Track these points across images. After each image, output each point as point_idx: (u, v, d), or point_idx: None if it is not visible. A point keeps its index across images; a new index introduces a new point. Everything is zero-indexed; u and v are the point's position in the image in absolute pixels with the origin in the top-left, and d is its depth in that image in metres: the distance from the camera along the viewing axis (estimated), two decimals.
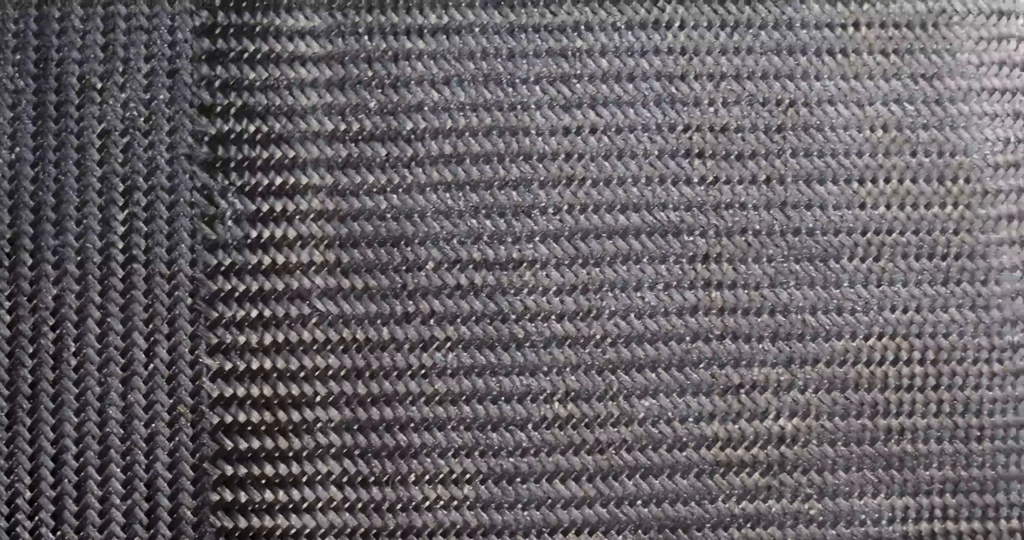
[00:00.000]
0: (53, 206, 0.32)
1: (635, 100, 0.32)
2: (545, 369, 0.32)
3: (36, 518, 0.31)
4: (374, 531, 0.32)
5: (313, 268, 0.32)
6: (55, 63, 0.32)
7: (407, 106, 0.32)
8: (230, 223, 0.32)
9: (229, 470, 0.31)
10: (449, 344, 0.32)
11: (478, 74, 0.32)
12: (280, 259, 0.32)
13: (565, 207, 0.32)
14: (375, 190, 0.32)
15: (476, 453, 0.32)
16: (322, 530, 0.32)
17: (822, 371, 0.32)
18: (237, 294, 0.32)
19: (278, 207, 0.32)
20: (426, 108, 0.32)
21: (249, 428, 0.32)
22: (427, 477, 0.32)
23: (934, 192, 0.32)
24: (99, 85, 0.32)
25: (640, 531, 0.32)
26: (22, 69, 0.32)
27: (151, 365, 0.31)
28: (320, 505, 0.32)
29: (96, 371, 0.31)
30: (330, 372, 0.32)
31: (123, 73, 0.32)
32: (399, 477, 0.32)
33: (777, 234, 0.32)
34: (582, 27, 0.33)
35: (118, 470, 0.31)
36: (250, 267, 0.32)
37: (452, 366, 0.32)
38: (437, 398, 0.32)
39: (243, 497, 0.31)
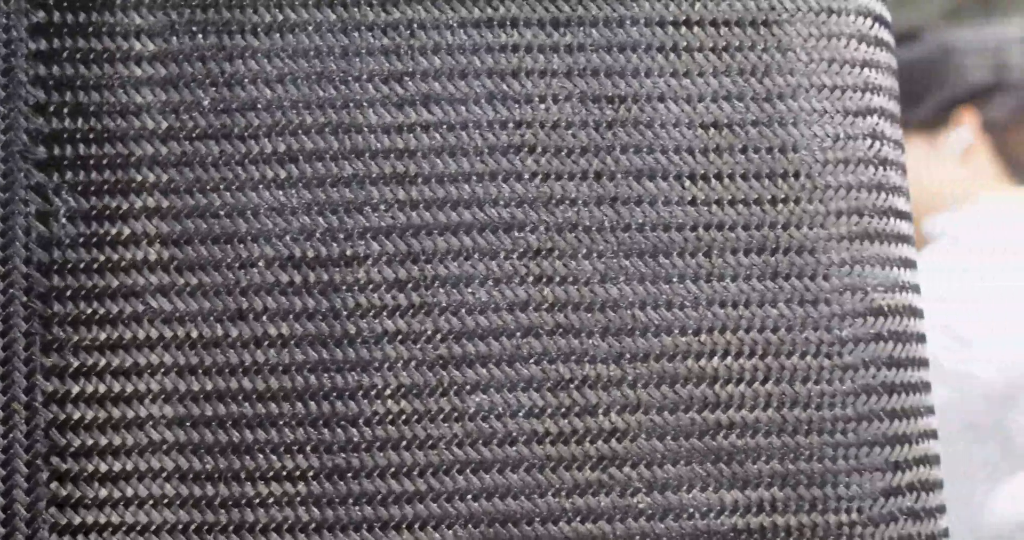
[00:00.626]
0: None
1: (467, 97, 0.33)
2: (377, 365, 0.32)
3: None
4: (207, 527, 0.32)
5: (147, 265, 0.32)
6: None
7: (241, 104, 0.33)
8: (64, 221, 0.32)
9: (63, 466, 0.32)
10: (281, 341, 0.32)
11: (311, 72, 0.33)
12: (114, 256, 0.32)
13: (397, 204, 0.32)
14: (208, 188, 0.32)
15: (308, 449, 0.32)
16: (155, 526, 0.32)
17: (652, 366, 0.32)
18: (71, 291, 0.32)
19: (112, 205, 0.32)
20: (259, 106, 0.33)
21: (83, 424, 0.32)
22: (259, 473, 0.32)
23: (763, 188, 0.33)
24: None
25: (471, 525, 0.32)
26: None
27: None
28: (153, 501, 0.32)
29: None
30: (163, 369, 0.32)
31: None
32: (231, 473, 0.32)
33: (608, 230, 0.33)
34: (414, 25, 0.33)
35: None
36: (84, 265, 0.32)
37: (284, 363, 0.32)
38: (270, 395, 0.32)
39: (77, 493, 0.32)
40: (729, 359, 0.33)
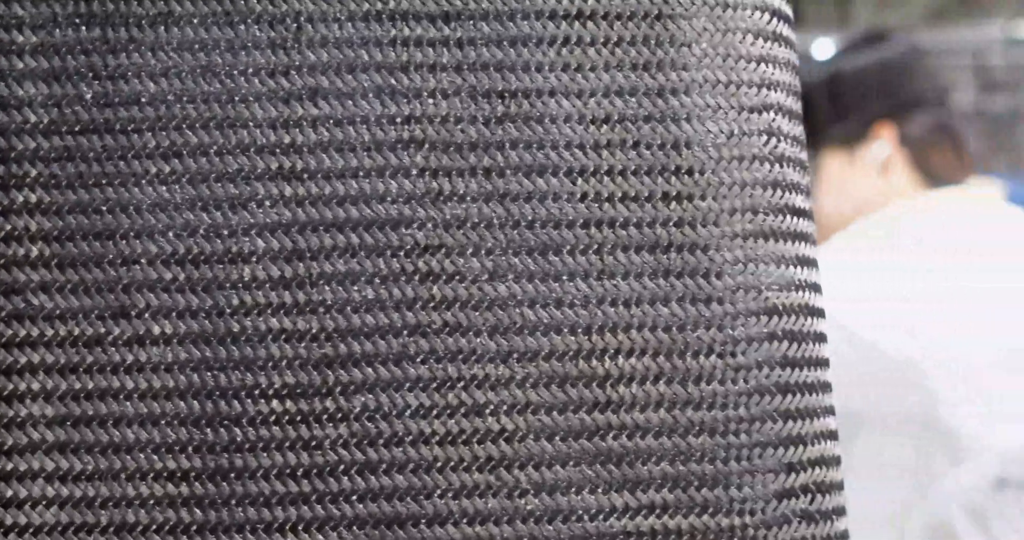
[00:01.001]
0: None
1: (354, 92, 0.32)
2: (261, 364, 0.32)
3: None
4: (87, 528, 0.31)
5: (28, 262, 0.32)
6: None
7: (124, 98, 0.32)
8: None
9: None
10: (164, 339, 0.32)
11: (196, 66, 0.32)
12: None
13: (282, 200, 0.32)
14: (91, 183, 0.32)
15: (191, 449, 0.31)
16: (34, 527, 0.31)
17: (541, 366, 0.32)
18: None
19: None
20: (143, 100, 0.32)
21: None
22: (140, 474, 0.31)
23: (656, 185, 0.32)
24: None
25: (356, 527, 0.31)
26: None
27: None
28: (32, 501, 0.31)
29: None
30: (44, 367, 0.32)
31: None
32: (112, 473, 0.31)
33: (496, 227, 0.32)
34: (301, 18, 0.32)
35: None
36: None
37: (167, 361, 0.32)
38: (151, 394, 0.32)
39: None
40: (620, 359, 0.32)
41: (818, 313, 0.34)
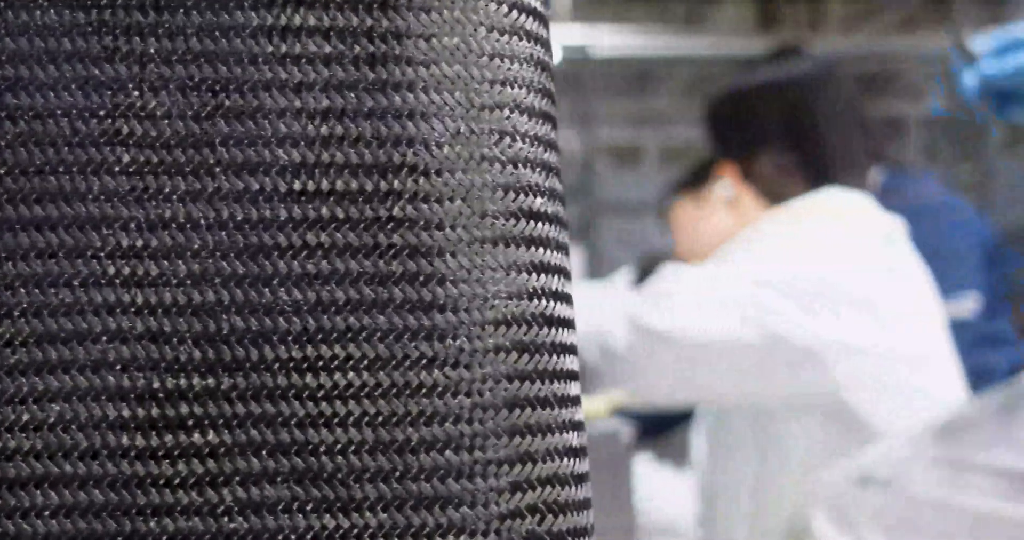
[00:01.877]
0: None
1: (55, 83, 0.30)
2: None
3: None
4: None
5: None
6: None
7: None
8: None
9: None
10: None
11: None
12: None
13: None
14: None
15: None
16: None
17: (249, 377, 0.30)
18: None
19: None
20: None
21: None
22: None
23: (375, 185, 0.30)
24: None
25: None
26: None
27: None
28: None
29: None
30: None
31: None
32: None
33: (204, 228, 0.30)
34: (1, 4, 0.30)
35: None
36: None
37: None
38: None
39: None
40: (334, 371, 0.30)
41: (560, 322, 0.32)
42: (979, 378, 1.62)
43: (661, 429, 2.02)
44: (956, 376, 1.52)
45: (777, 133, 1.55)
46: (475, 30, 0.31)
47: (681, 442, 2.03)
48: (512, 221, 0.31)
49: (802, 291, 1.41)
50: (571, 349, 0.33)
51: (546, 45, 0.33)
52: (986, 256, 1.93)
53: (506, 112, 0.31)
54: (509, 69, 0.31)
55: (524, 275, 0.31)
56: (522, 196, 0.31)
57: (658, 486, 1.88)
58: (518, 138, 0.31)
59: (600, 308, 1.51)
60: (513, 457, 0.31)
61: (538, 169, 0.32)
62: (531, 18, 0.32)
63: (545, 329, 0.31)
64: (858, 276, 1.45)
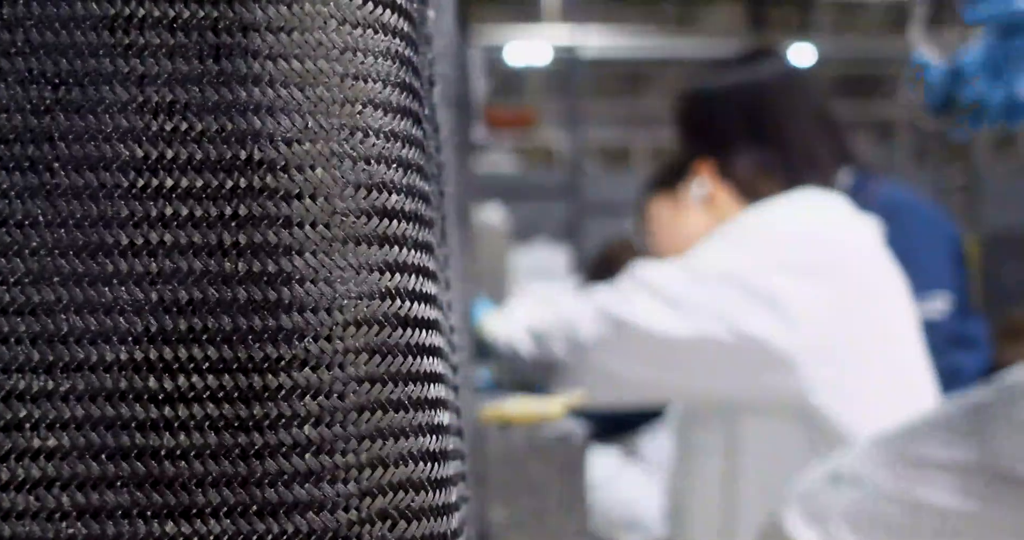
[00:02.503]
0: None
1: None
2: None
3: None
4: None
5: None
6: None
7: None
8: None
9: None
10: None
11: None
12: None
13: None
14: None
15: None
16: None
17: (88, 378, 0.29)
18: None
19: None
20: None
21: None
22: None
23: (220, 182, 0.29)
24: None
25: None
26: None
27: None
28: None
29: None
30: None
31: None
32: None
33: (42, 225, 0.29)
34: None
35: None
36: None
37: None
38: None
39: None
40: (177, 374, 0.29)
41: (417, 323, 0.31)
42: (949, 379, 1.61)
43: (627, 427, 2.02)
44: (927, 378, 1.51)
45: (742, 132, 1.55)
46: (325, 23, 0.30)
47: (648, 440, 2.03)
48: (364, 219, 0.30)
49: (772, 293, 1.41)
50: (431, 350, 0.32)
51: (407, 39, 0.32)
52: (955, 257, 1.92)
53: (358, 107, 0.30)
54: (362, 63, 0.30)
55: (377, 274, 0.30)
56: (375, 193, 0.30)
57: (624, 483, 1.87)
58: (371, 134, 0.30)
59: (567, 302, 1.50)
60: (363, 462, 0.30)
61: (394, 166, 0.31)
62: (390, 12, 0.31)
63: (400, 330, 0.31)
64: (828, 278, 1.44)
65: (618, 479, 1.75)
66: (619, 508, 1.72)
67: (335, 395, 0.30)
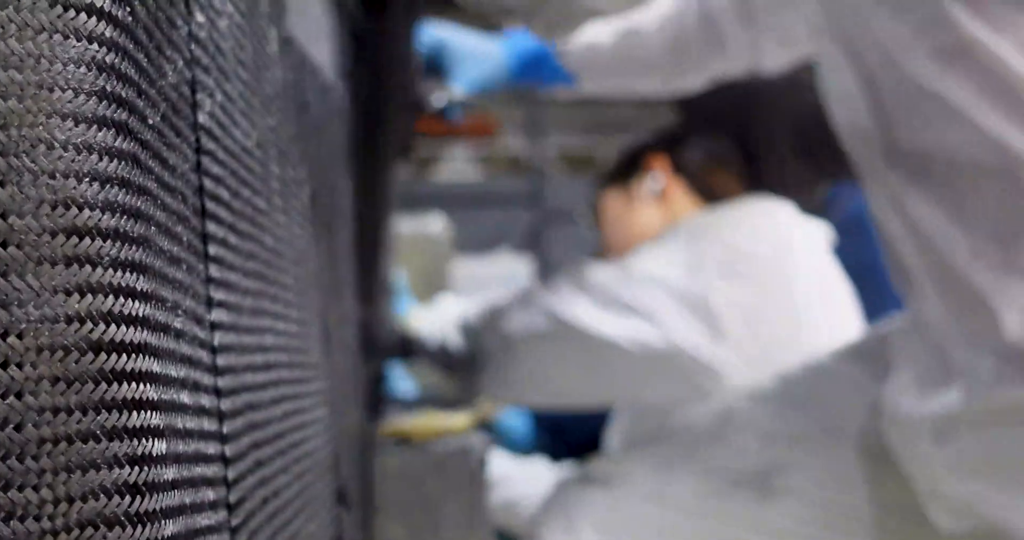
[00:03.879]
0: None
1: None
2: None
3: None
4: None
5: None
6: None
7: None
8: None
9: None
10: None
11: None
12: None
13: None
14: None
15: None
16: None
17: None
18: None
19: None
20: None
21: None
22: None
23: None
24: None
25: None
26: None
27: None
28: None
29: None
30: None
31: None
32: None
33: None
34: None
35: None
36: None
37: None
38: None
39: None
40: None
41: (114, 347, 0.29)
42: None
43: (588, 448, 1.97)
44: None
45: (705, 125, 1.53)
46: (3, 29, 0.28)
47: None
48: (47, 237, 0.28)
49: (707, 303, 1.39)
50: (136, 376, 0.30)
51: (111, 45, 0.30)
52: None
53: (41, 118, 0.28)
54: (48, 71, 0.29)
55: (63, 296, 0.28)
56: (61, 209, 0.28)
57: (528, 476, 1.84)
58: (58, 146, 0.28)
59: (498, 297, 1.49)
60: (46, 498, 0.28)
61: (86, 180, 0.29)
62: (86, 16, 0.29)
63: (92, 355, 0.29)
64: (764, 289, 1.43)
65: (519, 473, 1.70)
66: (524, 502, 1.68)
67: (11, 426, 0.28)
